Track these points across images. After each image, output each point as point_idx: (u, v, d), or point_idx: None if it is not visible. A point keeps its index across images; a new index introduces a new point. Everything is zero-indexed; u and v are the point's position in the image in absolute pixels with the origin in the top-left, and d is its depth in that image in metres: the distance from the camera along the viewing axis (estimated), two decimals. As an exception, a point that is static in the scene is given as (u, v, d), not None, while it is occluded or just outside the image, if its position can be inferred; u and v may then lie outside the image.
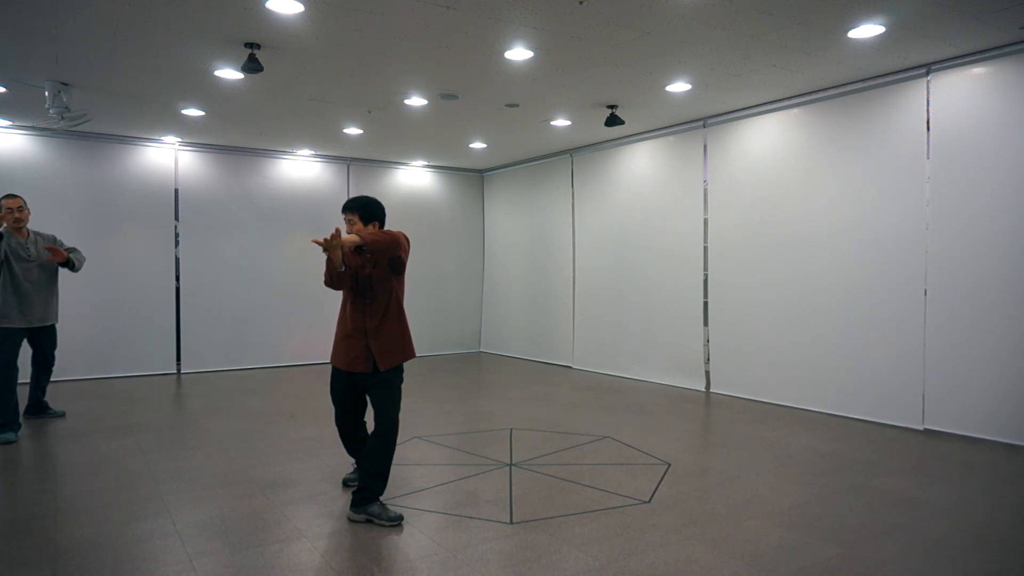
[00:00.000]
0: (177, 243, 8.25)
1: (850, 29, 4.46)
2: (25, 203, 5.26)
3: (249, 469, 4.26)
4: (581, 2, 4.00)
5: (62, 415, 5.77)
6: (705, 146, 6.99)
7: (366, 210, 3.48)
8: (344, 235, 3.28)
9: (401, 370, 3.50)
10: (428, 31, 4.48)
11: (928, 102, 5.23)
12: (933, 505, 3.61)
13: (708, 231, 6.98)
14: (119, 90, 5.90)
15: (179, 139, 8.08)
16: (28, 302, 5.21)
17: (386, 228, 3.54)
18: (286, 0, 3.98)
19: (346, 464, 4.23)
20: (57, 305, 5.53)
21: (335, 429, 3.79)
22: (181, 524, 3.33)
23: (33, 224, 5.50)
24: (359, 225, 3.46)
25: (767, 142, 6.40)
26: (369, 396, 3.50)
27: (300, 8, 4.09)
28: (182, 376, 8.02)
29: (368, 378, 3.45)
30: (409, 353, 3.51)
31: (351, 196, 3.43)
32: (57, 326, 5.61)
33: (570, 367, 8.71)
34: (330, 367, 3.62)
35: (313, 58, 5.03)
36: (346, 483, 3.91)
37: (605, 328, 8.25)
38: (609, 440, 4.97)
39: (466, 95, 6.05)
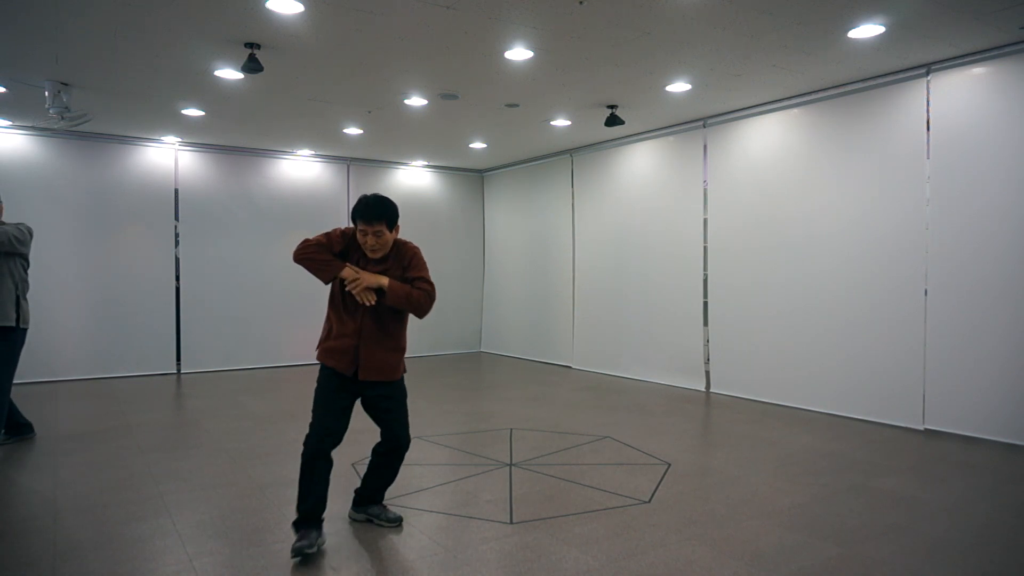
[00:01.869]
0: (177, 243, 8.26)
1: (850, 29, 4.46)
2: None
3: (249, 469, 4.26)
4: (581, 2, 3.99)
5: None
6: (705, 146, 6.99)
7: (392, 215, 3.06)
8: (367, 276, 2.99)
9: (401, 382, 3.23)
10: (428, 31, 4.48)
11: (928, 102, 5.23)
12: (933, 505, 3.61)
13: (708, 231, 6.97)
14: (119, 90, 5.90)
15: (179, 139, 8.08)
16: None
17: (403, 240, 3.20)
18: (286, 0, 3.99)
19: (345, 463, 4.22)
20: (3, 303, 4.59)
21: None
22: (181, 524, 3.33)
23: (33, 223, 5.42)
24: (387, 235, 3.04)
25: (767, 142, 6.40)
26: (372, 413, 3.24)
27: (300, 8, 4.09)
28: (182, 376, 8.01)
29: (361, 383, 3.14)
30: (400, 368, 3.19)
31: (354, 197, 3.23)
32: (27, 333, 4.75)
33: (570, 367, 8.71)
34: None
35: (313, 58, 5.03)
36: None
37: (605, 328, 8.25)
38: (609, 440, 4.97)
39: (466, 95, 6.05)
